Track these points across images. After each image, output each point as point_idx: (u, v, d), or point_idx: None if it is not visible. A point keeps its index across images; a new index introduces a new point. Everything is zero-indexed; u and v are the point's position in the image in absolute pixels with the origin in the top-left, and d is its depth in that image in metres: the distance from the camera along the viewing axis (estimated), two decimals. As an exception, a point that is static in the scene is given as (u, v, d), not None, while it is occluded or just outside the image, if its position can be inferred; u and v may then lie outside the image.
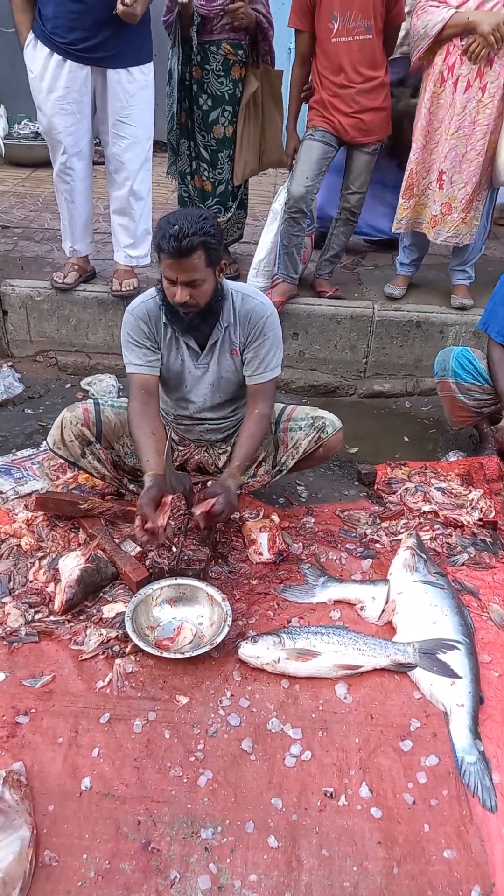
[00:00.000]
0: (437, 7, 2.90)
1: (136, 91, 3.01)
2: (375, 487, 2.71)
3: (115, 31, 2.84)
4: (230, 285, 2.18)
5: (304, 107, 3.33)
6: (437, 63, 3.02)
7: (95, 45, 2.85)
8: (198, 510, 1.98)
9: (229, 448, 2.41)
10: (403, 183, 3.31)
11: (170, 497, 1.97)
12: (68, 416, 2.27)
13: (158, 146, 3.97)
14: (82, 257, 3.48)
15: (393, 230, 3.45)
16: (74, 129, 3.03)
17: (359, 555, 2.34)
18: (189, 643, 1.92)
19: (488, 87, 2.95)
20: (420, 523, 2.48)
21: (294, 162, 3.28)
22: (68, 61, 2.88)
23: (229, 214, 3.49)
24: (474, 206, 3.21)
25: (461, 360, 2.77)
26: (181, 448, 2.45)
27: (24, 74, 3.04)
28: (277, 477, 2.41)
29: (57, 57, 2.88)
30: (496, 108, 2.99)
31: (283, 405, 2.42)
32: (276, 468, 2.37)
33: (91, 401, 2.33)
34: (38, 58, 2.92)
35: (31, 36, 2.91)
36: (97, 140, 3.22)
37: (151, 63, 3.04)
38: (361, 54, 3.02)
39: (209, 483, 2.14)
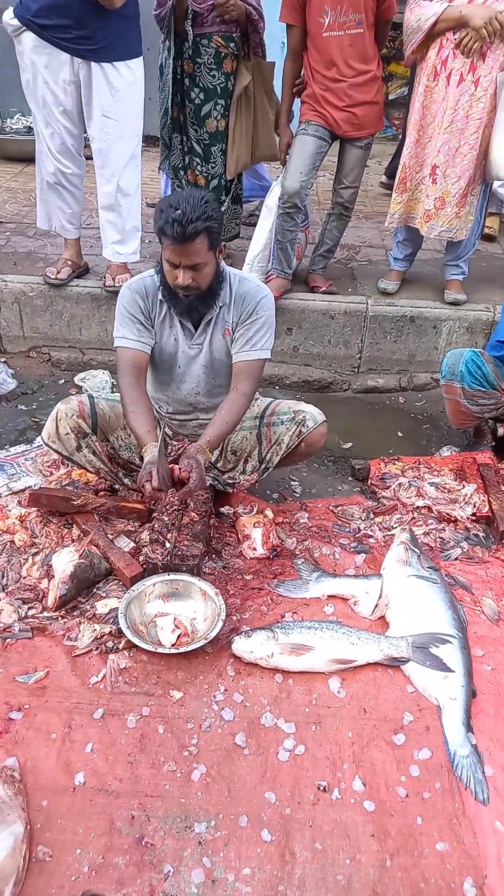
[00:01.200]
0: (430, 1, 2.89)
1: (123, 87, 2.98)
2: (369, 482, 2.72)
3: (102, 25, 2.82)
4: (229, 270, 2.19)
5: (297, 101, 3.32)
6: (431, 57, 3.00)
7: (81, 36, 2.83)
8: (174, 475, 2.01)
9: (222, 443, 2.41)
10: (397, 177, 3.31)
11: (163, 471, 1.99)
12: (63, 408, 2.26)
13: (152, 141, 3.96)
14: (75, 251, 3.46)
15: (386, 224, 3.45)
16: (58, 115, 3.01)
17: (352, 550, 2.34)
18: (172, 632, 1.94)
19: (481, 80, 2.94)
20: (413, 518, 2.49)
21: (287, 157, 3.27)
22: (51, 47, 2.86)
23: (223, 208, 3.48)
24: (468, 200, 3.21)
25: (470, 366, 2.72)
26: (175, 443, 2.44)
27: (16, 69, 3.02)
28: (265, 475, 2.41)
29: (40, 41, 2.86)
30: (489, 101, 2.99)
31: (269, 400, 2.42)
32: (263, 465, 2.37)
33: (85, 394, 2.33)
34: (21, 38, 2.91)
35: (15, 22, 2.89)
36: (86, 135, 3.20)
37: (140, 59, 3.02)
38: (353, 48, 3.02)
39: (182, 454, 2.09)
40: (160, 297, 2.16)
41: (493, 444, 2.96)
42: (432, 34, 2.93)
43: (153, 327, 2.21)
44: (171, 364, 2.28)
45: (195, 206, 1.91)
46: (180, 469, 2.01)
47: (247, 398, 2.18)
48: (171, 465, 2.07)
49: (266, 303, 2.19)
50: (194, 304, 2.10)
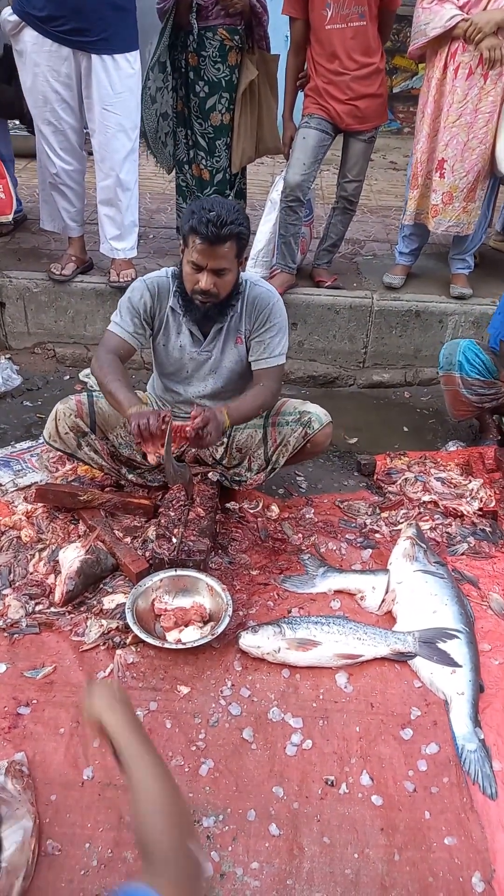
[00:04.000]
0: (441, 8, 2.86)
1: (122, 79, 2.97)
2: (375, 478, 2.71)
3: (99, 17, 2.81)
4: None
5: (301, 95, 3.30)
6: (439, 50, 2.97)
7: (79, 28, 2.82)
8: (190, 424, 1.92)
9: (226, 439, 2.41)
10: (410, 173, 3.28)
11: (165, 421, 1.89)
12: (61, 408, 2.26)
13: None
14: (79, 247, 3.46)
15: (404, 222, 3.42)
16: (60, 111, 3.00)
17: (359, 545, 2.34)
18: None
19: (490, 73, 2.91)
20: (420, 513, 2.48)
21: (290, 150, 3.26)
22: (50, 42, 2.85)
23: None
24: (477, 194, 3.19)
25: (468, 354, 2.73)
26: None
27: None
28: (272, 475, 2.40)
29: (39, 37, 2.85)
30: (499, 95, 2.96)
31: None
32: (270, 466, 2.36)
33: (84, 393, 2.33)
34: (20, 36, 2.90)
35: (14, 18, 2.88)
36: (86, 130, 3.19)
37: (137, 52, 3.01)
38: (355, 41, 2.99)
39: (196, 411, 1.96)
40: (170, 304, 2.15)
41: (499, 437, 2.96)
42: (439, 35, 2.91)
43: (154, 329, 2.21)
44: (179, 368, 2.29)
45: (229, 211, 1.93)
46: (192, 416, 1.91)
47: (273, 394, 2.21)
48: (183, 424, 2.01)
49: (278, 308, 2.20)
50: (211, 312, 2.10)
